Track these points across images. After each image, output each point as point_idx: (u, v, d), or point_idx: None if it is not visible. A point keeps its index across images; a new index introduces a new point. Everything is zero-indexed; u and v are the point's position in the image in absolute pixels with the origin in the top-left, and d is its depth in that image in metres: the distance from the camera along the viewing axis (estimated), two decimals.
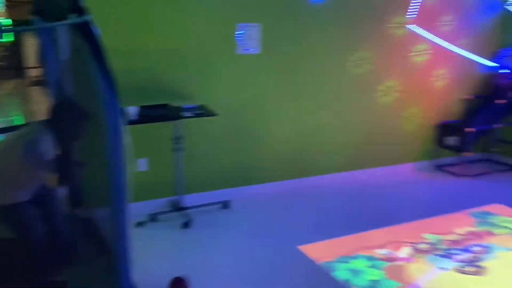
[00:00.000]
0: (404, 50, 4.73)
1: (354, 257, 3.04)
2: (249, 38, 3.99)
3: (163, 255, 3.11)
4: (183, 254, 3.13)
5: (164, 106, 3.59)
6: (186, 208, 3.75)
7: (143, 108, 3.41)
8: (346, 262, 2.98)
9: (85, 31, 1.49)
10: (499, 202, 4.06)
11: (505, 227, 3.50)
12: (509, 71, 5.05)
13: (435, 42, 4.86)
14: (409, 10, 4.63)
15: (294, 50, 4.21)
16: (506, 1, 5.10)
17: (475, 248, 3.15)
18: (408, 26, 4.67)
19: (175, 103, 3.72)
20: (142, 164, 3.79)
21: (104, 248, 2.00)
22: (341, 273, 2.83)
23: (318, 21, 4.24)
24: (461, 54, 5.05)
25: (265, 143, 4.28)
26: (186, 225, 3.57)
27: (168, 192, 3.91)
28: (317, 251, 3.14)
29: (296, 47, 4.21)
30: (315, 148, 4.53)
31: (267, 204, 4.08)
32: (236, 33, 3.93)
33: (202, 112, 3.60)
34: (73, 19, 1.48)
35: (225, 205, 3.98)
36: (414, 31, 4.72)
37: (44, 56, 2.12)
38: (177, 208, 3.76)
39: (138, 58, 3.61)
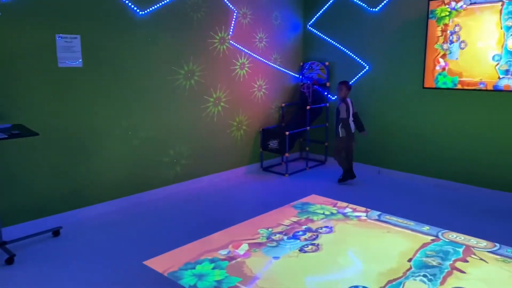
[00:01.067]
0: (228, 63, 5.14)
1: (199, 262, 3.17)
2: (70, 50, 3.75)
3: None
4: None
5: None
6: (7, 242, 3.28)
7: None
8: (192, 268, 3.08)
9: None
10: (314, 192, 4.78)
11: (320, 213, 4.15)
12: (309, 82, 5.99)
13: (253, 57, 5.42)
14: (230, 28, 5.06)
15: (120, 63, 4.13)
16: (307, 23, 6.05)
17: (300, 234, 3.65)
18: (230, 41, 5.10)
19: None
20: None
21: None
22: (187, 279, 2.92)
23: (145, 35, 4.27)
24: (275, 67, 5.77)
25: (96, 161, 4.07)
26: (9, 261, 3.13)
27: None
28: (163, 263, 3.16)
29: (123, 60, 4.14)
30: (151, 161, 4.52)
31: (105, 224, 3.88)
32: (56, 45, 3.64)
33: (18, 132, 3.20)
34: None
35: (55, 232, 3.63)
36: (235, 46, 5.18)
37: None
38: None
39: None
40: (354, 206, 4.34)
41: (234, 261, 3.19)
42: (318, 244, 3.47)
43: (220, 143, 5.24)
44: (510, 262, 3.16)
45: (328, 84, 5.90)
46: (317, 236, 3.62)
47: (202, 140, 5.01)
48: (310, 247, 3.45)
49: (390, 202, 4.48)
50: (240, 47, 5.23)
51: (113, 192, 4.23)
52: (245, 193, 4.86)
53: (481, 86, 4.55)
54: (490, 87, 4.49)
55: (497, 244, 3.45)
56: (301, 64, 6.14)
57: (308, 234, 3.65)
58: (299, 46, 6.12)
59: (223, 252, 3.34)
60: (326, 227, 3.82)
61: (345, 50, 5.70)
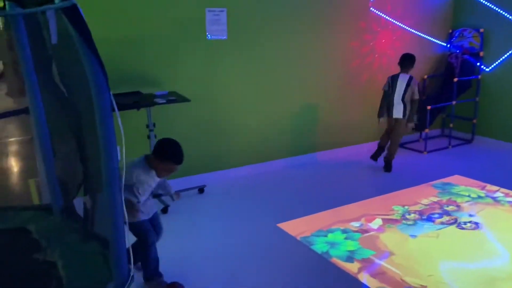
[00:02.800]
0: (368, 31, 4.91)
1: (331, 231, 3.19)
2: (217, 23, 4.00)
3: None
4: (164, 239, 3.16)
5: (137, 93, 3.55)
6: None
7: (114, 96, 3.35)
8: (324, 236, 3.12)
9: (71, 15, 1.47)
10: (457, 173, 4.36)
11: (465, 196, 3.78)
12: (459, 51, 5.37)
13: (394, 23, 5.07)
14: None
15: (261, 36, 4.25)
16: None
17: (439, 216, 3.39)
18: (371, 8, 4.84)
19: (144, 90, 3.69)
20: None
21: (95, 233, 2.01)
22: (319, 246, 2.98)
23: (288, 6, 4.30)
24: (418, 34, 5.30)
25: (236, 128, 4.33)
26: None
27: None
28: (296, 227, 3.27)
29: (263, 32, 4.26)
30: (284, 132, 4.64)
31: (241, 187, 4.16)
32: (206, 18, 3.93)
33: (174, 98, 3.59)
34: (60, 3, 1.46)
35: (201, 190, 4.02)
36: (376, 13, 4.89)
37: (20, 46, 2.03)
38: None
39: (106, 45, 3.53)
40: (507, 191, 3.84)
41: (367, 234, 3.13)
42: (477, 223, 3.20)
43: (352, 116, 5.10)
44: None
45: (481, 53, 5.22)
46: (455, 221, 3.31)
47: (335, 114, 4.94)
48: (468, 224, 3.25)
49: None
50: (380, 13, 4.93)
51: (250, 158, 4.48)
52: (377, 168, 4.68)
53: None
54: None
55: None
56: (450, 31, 5.53)
57: (446, 218, 3.37)
58: (448, 11, 5.50)
59: (356, 224, 3.30)
60: (471, 215, 3.46)
61: (507, 14, 4.93)
